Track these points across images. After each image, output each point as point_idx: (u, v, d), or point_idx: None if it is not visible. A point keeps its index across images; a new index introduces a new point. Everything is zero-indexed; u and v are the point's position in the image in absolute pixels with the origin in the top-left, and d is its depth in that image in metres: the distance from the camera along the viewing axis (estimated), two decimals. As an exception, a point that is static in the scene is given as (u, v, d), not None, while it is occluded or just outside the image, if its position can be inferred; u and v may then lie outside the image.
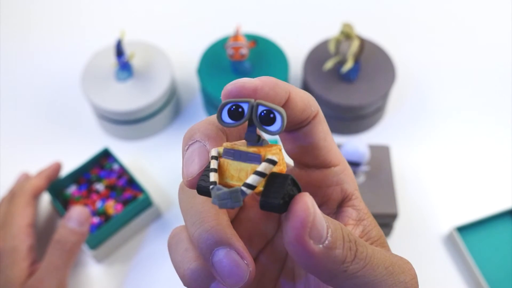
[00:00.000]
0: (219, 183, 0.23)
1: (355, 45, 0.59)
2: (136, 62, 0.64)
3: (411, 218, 0.59)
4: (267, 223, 0.29)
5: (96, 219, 0.55)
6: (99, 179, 0.59)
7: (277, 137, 0.62)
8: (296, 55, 0.69)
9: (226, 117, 0.23)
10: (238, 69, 0.62)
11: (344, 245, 0.23)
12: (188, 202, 0.26)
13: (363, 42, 0.61)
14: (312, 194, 0.24)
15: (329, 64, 0.61)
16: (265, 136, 0.62)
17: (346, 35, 0.60)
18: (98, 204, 0.57)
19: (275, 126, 0.22)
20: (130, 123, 0.63)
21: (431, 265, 0.56)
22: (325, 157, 0.27)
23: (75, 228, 0.50)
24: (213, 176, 0.22)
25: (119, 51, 0.60)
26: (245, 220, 0.28)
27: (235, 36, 0.59)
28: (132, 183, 0.58)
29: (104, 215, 0.56)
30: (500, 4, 0.80)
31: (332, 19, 0.71)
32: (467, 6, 0.80)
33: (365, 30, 0.70)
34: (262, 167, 0.22)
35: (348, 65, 0.59)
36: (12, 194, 0.54)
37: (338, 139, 0.65)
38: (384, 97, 0.62)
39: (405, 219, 0.59)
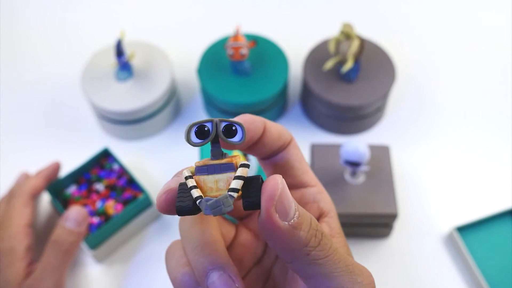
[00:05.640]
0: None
1: (355, 45, 0.59)
2: (136, 62, 0.64)
3: (411, 218, 0.59)
4: (257, 246, 0.32)
5: (96, 219, 0.55)
6: (99, 179, 0.59)
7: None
8: (296, 55, 0.69)
9: (194, 138, 0.25)
10: (238, 69, 0.62)
11: (310, 230, 0.25)
12: (188, 230, 0.29)
13: (363, 42, 0.61)
14: None
15: (329, 64, 0.61)
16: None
17: (346, 35, 0.60)
18: (98, 204, 0.57)
19: (238, 137, 0.26)
20: (130, 123, 0.63)
21: (431, 265, 0.56)
22: (301, 177, 0.32)
23: (73, 228, 0.50)
24: (196, 192, 0.24)
25: (119, 51, 0.61)
26: (238, 246, 0.31)
27: (235, 36, 0.59)
28: (132, 183, 0.58)
29: (104, 215, 0.56)
30: (500, 4, 0.80)
31: (332, 19, 0.71)
32: (467, 6, 0.80)
33: (365, 30, 0.70)
34: (240, 171, 0.25)
35: (348, 65, 0.59)
36: (11, 194, 0.54)
37: (338, 139, 0.65)
38: (384, 97, 0.62)
39: (405, 219, 0.59)
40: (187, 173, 0.25)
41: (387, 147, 0.58)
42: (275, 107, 0.65)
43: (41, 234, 0.57)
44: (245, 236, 0.31)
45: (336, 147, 0.57)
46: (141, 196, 0.56)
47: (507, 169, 0.63)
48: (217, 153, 0.26)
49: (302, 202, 0.32)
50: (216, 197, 0.25)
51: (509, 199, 0.60)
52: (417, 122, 0.67)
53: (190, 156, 0.63)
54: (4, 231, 0.51)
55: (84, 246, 0.54)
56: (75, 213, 0.51)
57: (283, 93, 0.65)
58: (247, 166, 0.25)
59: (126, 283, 0.56)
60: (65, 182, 0.58)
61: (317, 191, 0.32)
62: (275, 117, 0.67)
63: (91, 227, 0.54)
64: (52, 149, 0.65)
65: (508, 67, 0.72)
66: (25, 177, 0.57)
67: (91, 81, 0.63)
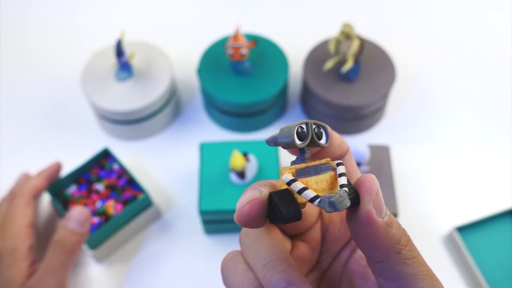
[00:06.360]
0: None
1: (355, 45, 0.59)
2: (136, 62, 0.64)
3: (411, 218, 0.59)
4: (312, 257, 0.32)
5: (96, 219, 0.56)
6: (99, 179, 0.59)
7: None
8: (296, 55, 0.69)
9: (297, 140, 0.26)
10: (238, 69, 0.62)
11: (400, 229, 0.26)
12: (255, 244, 0.29)
13: (363, 42, 0.61)
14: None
15: (329, 64, 0.61)
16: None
17: (346, 35, 0.60)
18: (98, 204, 0.57)
19: (324, 139, 0.27)
20: (130, 123, 0.63)
21: (431, 265, 0.56)
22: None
23: (75, 229, 0.50)
24: (311, 192, 0.24)
25: (119, 51, 0.61)
26: (294, 258, 0.31)
27: (235, 36, 0.59)
28: (132, 183, 0.58)
29: (104, 215, 0.56)
30: (500, 5, 0.80)
31: (332, 19, 0.71)
32: (467, 6, 0.80)
33: (365, 30, 0.70)
34: (343, 169, 0.25)
35: (348, 65, 0.59)
36: (12, 194, 0.54)
37: (338, 139, 0.65)
38: (384, 97, 0.62)
39: (405, 219, 0.59)
40: (290, 177, 0.25)
41: (387, 147, 0.58)
42: (275, 107, 0.65)
43: (41, 234, 0.57)
44: (302, 249, 0.31)
45: (336, 147, 0.57)
46: (141, 196, 0.56)
47: (507, 169, 0.63)
48: (308, 156, 0.26)
49: None
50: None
51: (509, 199, 0.60)
52: (417, 122, 0.67)
53: (190, 156, 0.63)
54: (6, 231, 0.51)
55: (84, 246, 0.54)
56: (78, 213, 0.51)
57: (283, 93, 0.65)
58: (343, 164, 0.26)
59: (126, 283, 0.56)
60: (65, 182, 0.58)
61: None
62: (275, 117, 0.67)
63: (91, 227, 0.54)
64: (52, 149, 0.65)
65: (508, 67, 0.72)
66: (25, 177, 0.57)
67: (91, 81, 0.63)
